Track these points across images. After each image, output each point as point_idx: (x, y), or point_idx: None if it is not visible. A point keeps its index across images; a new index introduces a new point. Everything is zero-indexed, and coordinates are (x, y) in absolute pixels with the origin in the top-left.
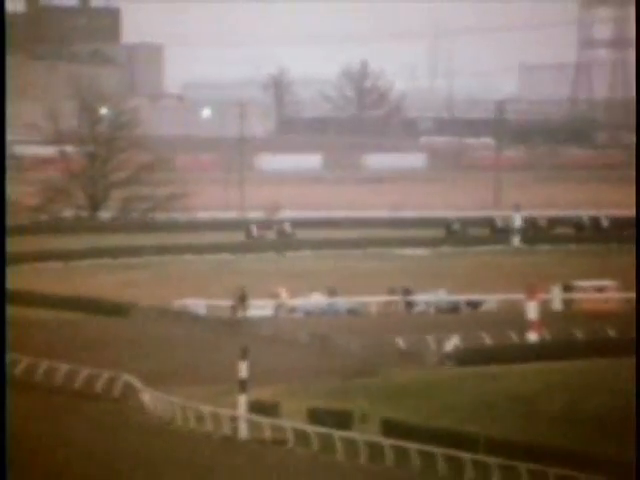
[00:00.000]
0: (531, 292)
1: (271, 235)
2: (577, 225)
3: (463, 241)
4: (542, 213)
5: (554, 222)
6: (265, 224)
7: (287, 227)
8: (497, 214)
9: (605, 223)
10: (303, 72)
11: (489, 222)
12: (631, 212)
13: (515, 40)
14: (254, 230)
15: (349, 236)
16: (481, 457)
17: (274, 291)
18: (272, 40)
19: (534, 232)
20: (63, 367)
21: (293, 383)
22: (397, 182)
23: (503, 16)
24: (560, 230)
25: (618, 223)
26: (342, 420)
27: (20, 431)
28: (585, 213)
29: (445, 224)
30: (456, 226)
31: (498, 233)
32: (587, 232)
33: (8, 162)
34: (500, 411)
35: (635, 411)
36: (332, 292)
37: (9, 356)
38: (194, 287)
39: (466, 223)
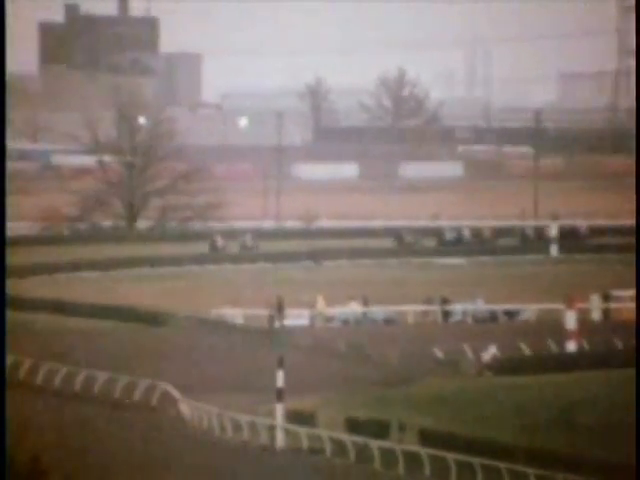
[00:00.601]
0: (570, 301)
1: (234, 247)
2: (616, 233)
3: (500, 250)
4: (581, 222)
5: (593, 231)
6: (228, 235)
7: (249, 239)
8: (531, 224)
9: None
10: (340, 81)
11: (520, 231)
12: None
13: (554, 48)
14: (219, 241)
15: (386, 245)
16: (519, 467)
17: (311, 300)
18: (310, 49)
19: (573, 241)
20: (101, 376)
21: (330, 392)
22: (434, 191)
23: (542, 24)
24: (599, 239)
25: None
26: (379, 430)
27: (59, 440)
28: (624, 222)
29: (476, 233)
30: (486, 235)
31: (534, 242)
32: (625, 240)
33: (47, 172)
34: (538, 421)
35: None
36: (365, 301)
37: (46, 366)
38: (231, 296)
39: (499, 233)
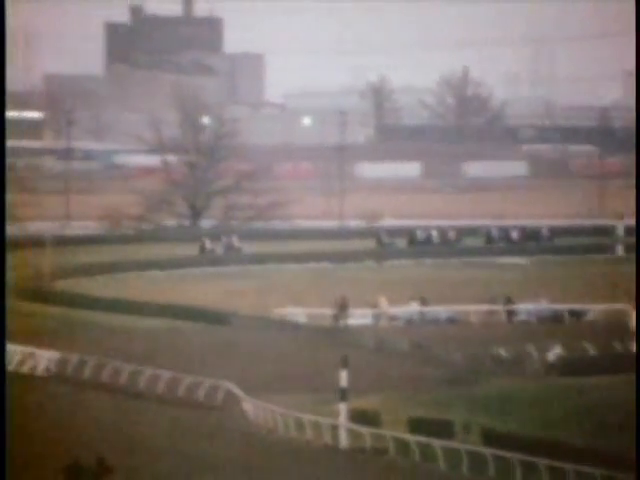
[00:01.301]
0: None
1: (219, 249)
2: None
3: (563, 250)
4: None
5: None
6: (215, 237)
7: (235, 241)
8: (595, 222)
9: None
10: (403, 80)
11: (586, 230)
12: None
13: (619, 46)
14: (208, 243)
15: (455, 245)
16: (585, 468)
17: (374, 300)
18: (373, 48)
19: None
20: (165, 375)
21: (394, 392)
22: (498, 190)
23: (606, 22)
24: None
25: None
26: (443, 429)
27: (122, 439)
28: None
29: (535, 233)
30: (545, 234)
31: (600, 242)
32: None
33: (111, 172)
34: (605, 423)
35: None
36: (424, 301)
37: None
38: (294, 295)
39: (558, 232)
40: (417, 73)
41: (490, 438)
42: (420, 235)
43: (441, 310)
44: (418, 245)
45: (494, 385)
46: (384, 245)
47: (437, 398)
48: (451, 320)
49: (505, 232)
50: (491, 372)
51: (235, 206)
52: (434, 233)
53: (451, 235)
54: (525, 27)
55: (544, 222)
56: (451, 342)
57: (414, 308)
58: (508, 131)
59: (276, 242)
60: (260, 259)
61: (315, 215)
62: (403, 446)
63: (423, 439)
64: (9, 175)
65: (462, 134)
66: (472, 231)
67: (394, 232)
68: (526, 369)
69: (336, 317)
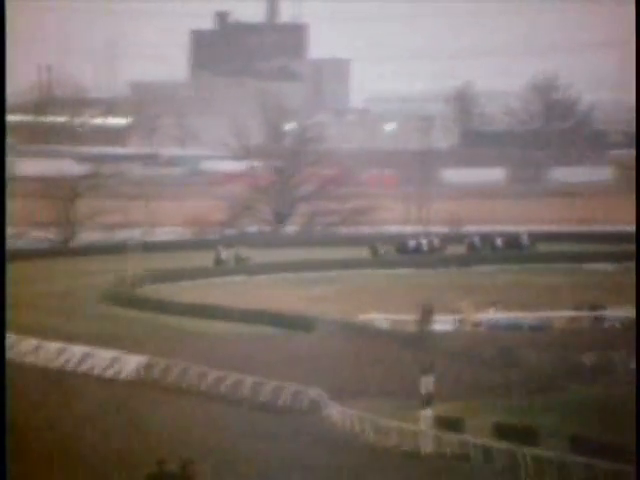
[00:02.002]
0: None
1: (231, 260)
2: None
3: None
4: None
5: None
6: (227, 245)
7: (242, 252)
8: None
9: None
10: (487, 85)
11: None
12: None
13: None
14: (221, 252)
15: (533, 250)
16: None
17: (457, 306)
18: (457, 53)
19: None
20: (248, 380)
21: (477, 398)
22: (584, 196)
23: None
24: None
25: None
26: (528, 436)
27: (207, 443)
28: None
29: (621, 238)
30: (435, 244)
31: None
32: None
33: (196, 178)
34: None
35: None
36: (503, 307)
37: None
38: (377, 301)
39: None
40: (503, 78)
41: (577, 445)
42: (411, 244)
43: (525, 316)
44: (412, 253)
45: (579, 392)
46: (379, 255)
47: (522, 404)
48: (535, 326)
49: (591, 238)
50: (576, 378)
51: (319, 212)
52: (424, 242)
53: (436, 243)
54: (612, 30)
55: (629, 228)
56: (535, 348)
57: (499, 314)
58: (595, 136)
59: (358, 248)
60: (344, 264)
61: (398, 220)
62: (487, 453)
63: (507, 446)
64: (94, 182)
65: (548, 139)
66: (556, 236)
67: (485, 237)
68: (612, 376)
69: (421, 323)
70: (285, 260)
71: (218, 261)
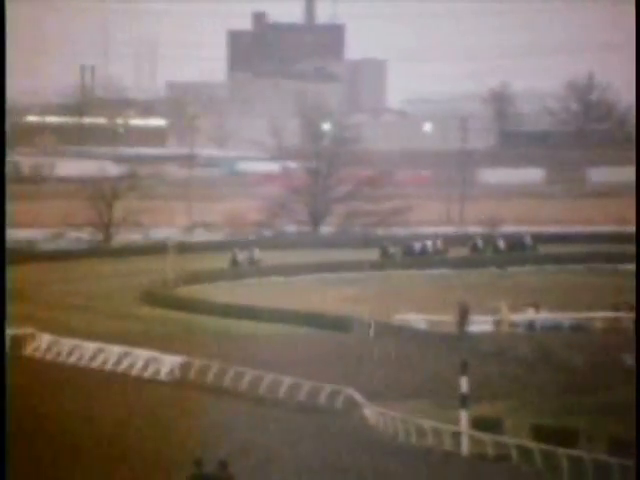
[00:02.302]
0: None
1: (244, 262)
2: None
3: None
4: None
5: None
6: (244, 248)
7: (256, 253)
8: None
9: None
10: (525, 85)
11: None
12: None
13: None
14: (238, 255)
15: (572, 251)
16: None
17: (494, 306)
18: (495, 53)
19: None
20: (286, 381)
21: (516, 399)
22: (622, 196)
23: None
24: None
25: None
26: (567, 437)
27: (245, 444)
28: None
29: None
30: (438, 246)
31: None
32: None
33: (233, 178)
34: None
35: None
36: (540, 307)
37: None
38: (414, 302)
39: None
40: (540, 78)
41: (616, 447)
42: (417, 246)
43: (563, 316)
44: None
45: (619, 392)
46: (389, 255)
47: (561, 406)
48: (574, 327)
49: (628, 239)
50: (616, 380)
51: (356, 213)
52: (428, 243)
53: (439, 245)
54: None
55: None
56: (575, 349)
57: (537, 315)
58: (633, 137)
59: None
60: (380, 265)
61: (436, 221)
62: (526, 454)
63: (547, 447)
64: (132, 182)
65: (586, 140)
66: (593, 237)
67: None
68: None
69: (458, 323)
70: (322, 261)
71: (234, 263)
